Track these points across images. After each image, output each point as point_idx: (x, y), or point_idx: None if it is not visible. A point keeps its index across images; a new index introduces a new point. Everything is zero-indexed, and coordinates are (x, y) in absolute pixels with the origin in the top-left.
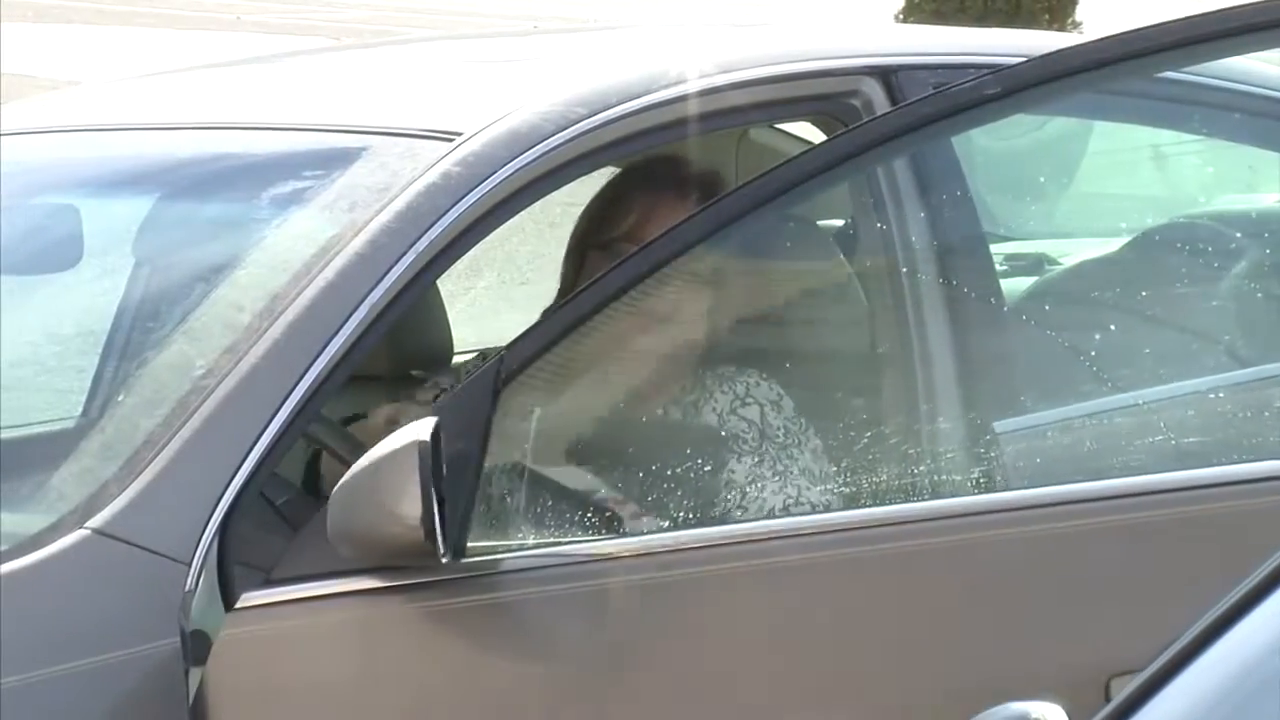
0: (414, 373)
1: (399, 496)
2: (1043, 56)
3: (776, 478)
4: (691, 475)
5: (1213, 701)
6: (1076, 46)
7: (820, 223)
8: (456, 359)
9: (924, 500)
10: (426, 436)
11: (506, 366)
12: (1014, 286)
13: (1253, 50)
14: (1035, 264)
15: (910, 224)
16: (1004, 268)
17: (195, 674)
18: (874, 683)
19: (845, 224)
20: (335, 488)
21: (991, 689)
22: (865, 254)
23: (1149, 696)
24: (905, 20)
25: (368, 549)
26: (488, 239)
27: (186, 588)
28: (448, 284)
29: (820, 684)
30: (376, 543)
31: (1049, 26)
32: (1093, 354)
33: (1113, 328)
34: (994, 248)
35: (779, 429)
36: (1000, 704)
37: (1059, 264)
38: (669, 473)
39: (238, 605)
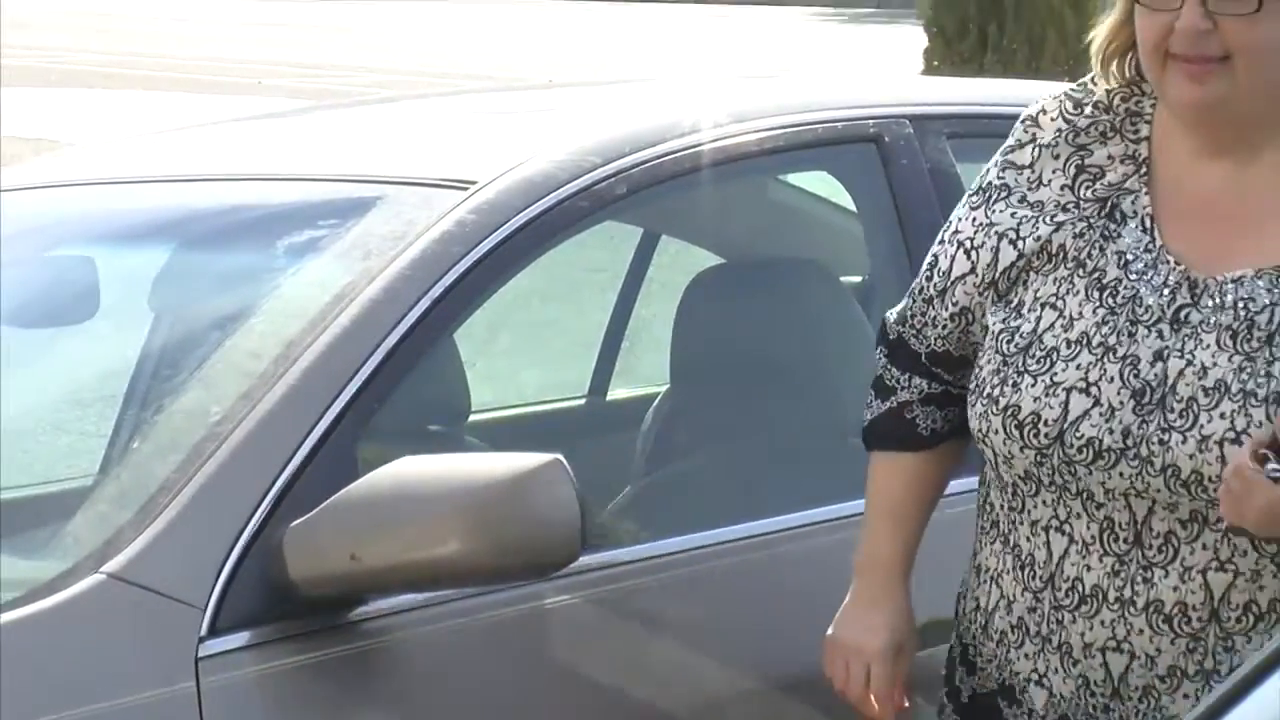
0: (432, 428)
1: (556, 508)
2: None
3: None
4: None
5: None
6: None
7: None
8: (473, 418)
9: None
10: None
11: None
12: None
13: None
14: None
15: None
16: None
17: None
18: None
19: None
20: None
21: None
22: None
23: None
24: None
25: (517, 558)
26: (509, 305)
27: (201, 633)
28: (466, 346)
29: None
30: (535, 551)
31: None
32: None
33: None
34: None
35: None
36: None
37: None
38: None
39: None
